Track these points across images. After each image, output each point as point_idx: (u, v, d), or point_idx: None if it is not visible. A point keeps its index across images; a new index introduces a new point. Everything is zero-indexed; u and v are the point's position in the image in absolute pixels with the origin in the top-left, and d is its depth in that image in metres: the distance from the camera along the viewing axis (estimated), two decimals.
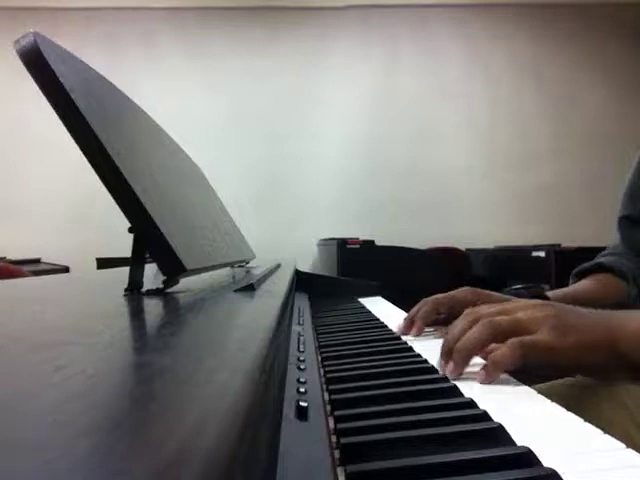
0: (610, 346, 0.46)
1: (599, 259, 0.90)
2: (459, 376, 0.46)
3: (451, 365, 0.46)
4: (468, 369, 0.47)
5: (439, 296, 0.69)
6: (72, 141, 0.44)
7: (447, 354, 0.48)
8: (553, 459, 0.28)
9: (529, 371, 0.46)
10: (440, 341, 0.52)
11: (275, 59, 3.45)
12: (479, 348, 0.47)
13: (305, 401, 0.34)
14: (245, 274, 0.85)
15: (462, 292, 0.68)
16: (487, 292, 0.67)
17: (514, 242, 3.17)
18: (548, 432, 0.33)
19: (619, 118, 3.47)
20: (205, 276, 0.72)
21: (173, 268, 0.48)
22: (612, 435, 0.32)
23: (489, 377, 0.44)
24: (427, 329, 0.68)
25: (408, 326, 0.68)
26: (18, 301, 0.52)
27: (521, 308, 0.49)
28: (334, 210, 3.38)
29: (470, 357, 0.46)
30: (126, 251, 0.51)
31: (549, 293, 0.78)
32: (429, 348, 0.56)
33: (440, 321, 0.69)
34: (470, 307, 0.54)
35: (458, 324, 0.50)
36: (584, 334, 0.46)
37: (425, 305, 0.69)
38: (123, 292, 0.49)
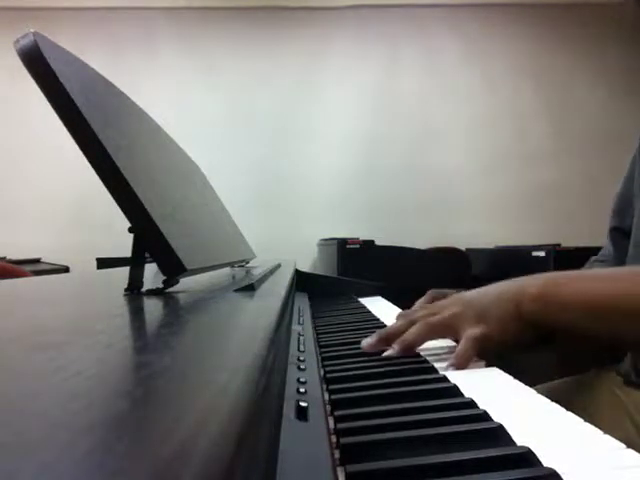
0: (516, 313, 0.52)
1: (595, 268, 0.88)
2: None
3: (391, 350, 0.54)
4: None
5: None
6: (72, 141, 0.44)
7: (384, 340, 0.55)
8: (553, 459, 0.28)
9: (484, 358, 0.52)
10: (441, 343, 0.58)
11: (275, 59, 3.44)
12: (419, 343, 0.54)
13: (305, 401, 0.34)
14: (245, 274, 0.85)
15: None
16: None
17: (514, 242, 3.17)
18: (548, 432, 0.33)
19: (619, 118, 3.46)
20: (205, 276, 0.72)
21: (173, 268, 0.48)
22: (612, 435, 0.32)
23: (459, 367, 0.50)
24: None
25: None
26: (18, 301, 0.52)
27: (444, 307, 0.57)
28: (334, 210, 3.38)
29: (410, 349, 0.54)
30: (126, 251, 0.51)
31: None
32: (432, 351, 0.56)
33: None
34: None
35: (397, 323, 0.58)
36: (498, 310, 0.53)
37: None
38: (123, 292, 0.49)
